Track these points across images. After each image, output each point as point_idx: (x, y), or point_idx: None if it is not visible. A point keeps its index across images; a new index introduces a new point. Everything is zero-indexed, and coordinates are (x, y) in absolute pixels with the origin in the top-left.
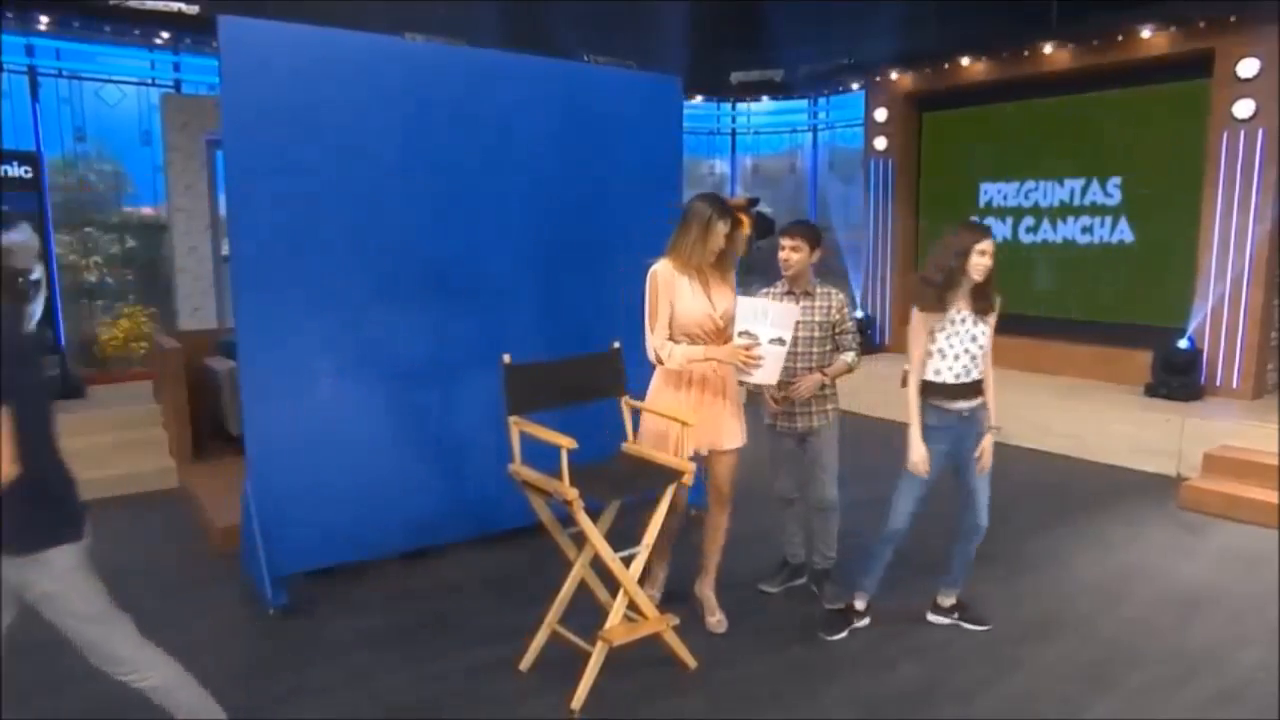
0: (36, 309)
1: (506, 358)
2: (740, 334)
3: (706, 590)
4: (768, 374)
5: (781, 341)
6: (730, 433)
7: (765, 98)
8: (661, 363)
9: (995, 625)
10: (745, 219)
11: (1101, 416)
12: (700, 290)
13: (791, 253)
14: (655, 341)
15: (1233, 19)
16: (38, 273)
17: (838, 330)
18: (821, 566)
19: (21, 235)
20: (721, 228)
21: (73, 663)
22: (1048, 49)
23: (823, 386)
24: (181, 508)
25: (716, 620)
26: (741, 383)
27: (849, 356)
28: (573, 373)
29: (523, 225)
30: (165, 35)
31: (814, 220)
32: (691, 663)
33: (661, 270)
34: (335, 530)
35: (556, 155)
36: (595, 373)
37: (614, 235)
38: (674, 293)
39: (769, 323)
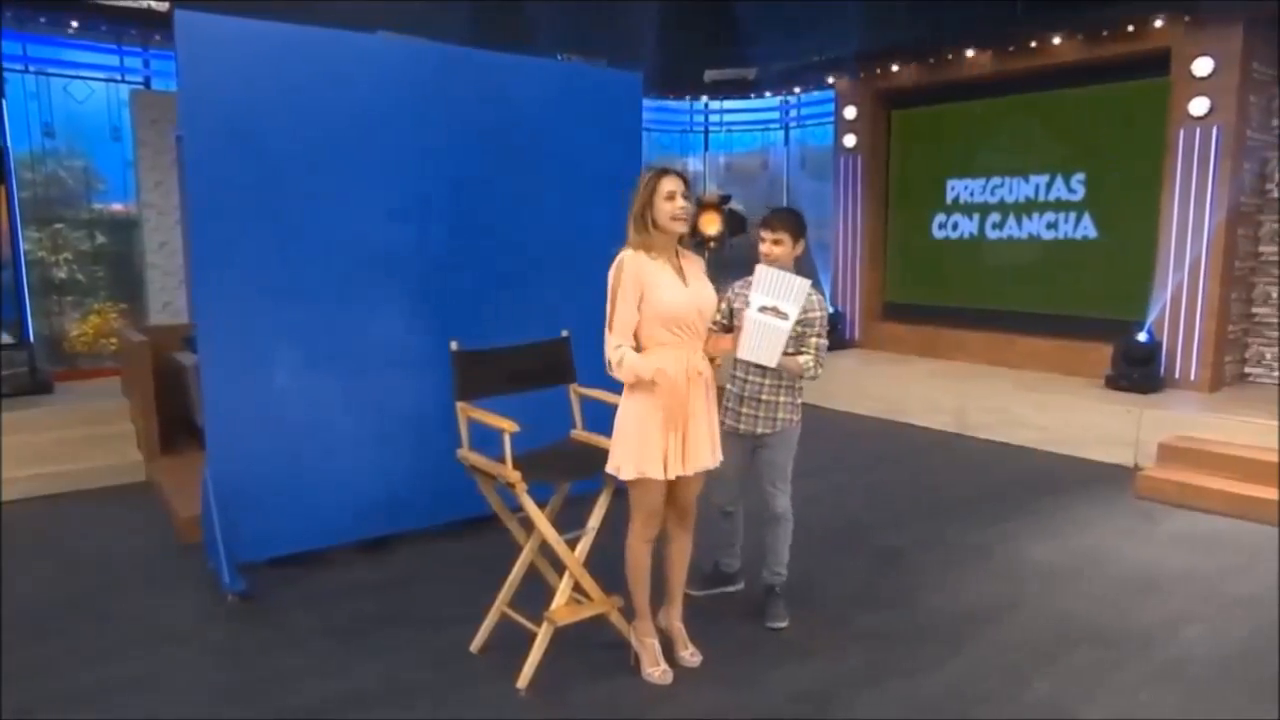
0: None
1: (454, 344)
2: (762, 309)
3: (675, 622)
4: (772, 352)
5: (787, 316)
6: (714, 449)
7: (737, 96)
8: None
9: (946, 609)
10: (718, 214)
11: (1063, 408)
12: (677, 278)
13: (773, 246)
14: (611, 344)
15: (1187, 19)
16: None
17: (813, 332)
18: (769, 582)
19: None
20: (668, 185)
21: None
22: (1012, 48)
23: (778, 391)
24: (149, 500)
25: (690, 654)
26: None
27: (805, 360)
28: (521, 359)
29: (480, 217)
30: (134, 31)
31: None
32: None
33: (629, 258)
34: (295, 518)
35: (515, 149)
36: (544, 360)
37: (571, 229)
38: (646, 282)
39: (791, 298)
